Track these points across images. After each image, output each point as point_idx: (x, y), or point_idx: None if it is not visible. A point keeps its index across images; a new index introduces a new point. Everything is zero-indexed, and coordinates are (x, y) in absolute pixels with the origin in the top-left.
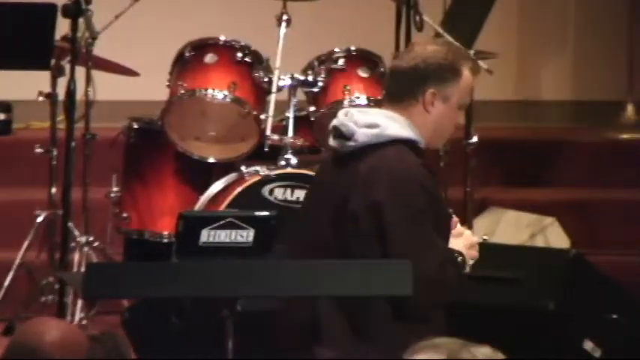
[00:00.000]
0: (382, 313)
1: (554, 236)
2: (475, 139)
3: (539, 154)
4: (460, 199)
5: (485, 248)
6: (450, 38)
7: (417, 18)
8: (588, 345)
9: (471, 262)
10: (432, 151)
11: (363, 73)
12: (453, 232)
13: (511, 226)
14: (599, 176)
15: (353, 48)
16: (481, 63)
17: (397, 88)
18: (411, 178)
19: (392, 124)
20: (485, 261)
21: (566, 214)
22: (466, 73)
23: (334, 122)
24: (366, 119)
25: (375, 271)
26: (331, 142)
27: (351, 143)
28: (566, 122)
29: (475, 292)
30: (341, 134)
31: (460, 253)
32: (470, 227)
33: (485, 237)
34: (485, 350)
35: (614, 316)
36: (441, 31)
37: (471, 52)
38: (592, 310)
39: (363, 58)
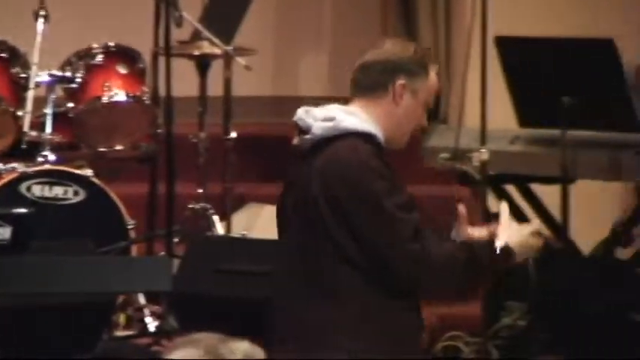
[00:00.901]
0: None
1: None
2: (234, 134)
3: None
4: (219, 194)
5: (244, 243)
6: (209, 34)
7: (177, 14)
8: None
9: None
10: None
11: (122, 69)
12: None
13: (269, 221)
14: None
15: (111, 44)
16: (239, 59)
17: (367, 79)
18: (364, 166)
19: (348, 117)
20: (244, 255)
21: None
22: (432, 73)
23: (294, 118)
24: (323, 113)
25: (134, 267)
26: (294, 140)
27: (308, 137)
28: None
29: (232, 286)
30: (300, 130)
31: (506, 247)
32: (228, 223)
33: (243, 232)
34: (243, 345)
35: None
36: (200, 27)
37: (230, 48)
38: None
39: (121, 54)
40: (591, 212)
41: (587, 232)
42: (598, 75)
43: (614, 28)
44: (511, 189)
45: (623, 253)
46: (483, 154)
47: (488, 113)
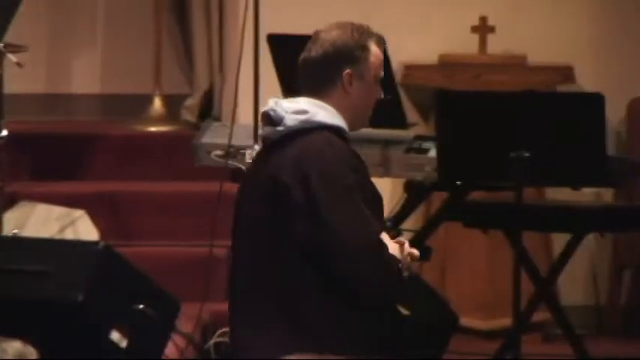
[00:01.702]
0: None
1: (84, 229)
2: (5, 132)
3: (69, 147)
4: None
5: (16, 242)
6: None
7: None
8: (115, 335)
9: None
10: None
11: None
12: (396, 242)
13: (41, 220)
14: (129, 168)
15: None
16: (11, 56)
17: (313, 78)
18: (339, 158)
19: (321, 111)
20: (16, 255)
21: (96, 207)
22: (373, 47)
23: (264, 109)
24: (295, 107)
25: None
26: (261, 131)
27: (280, 128)
28: (96, 115)
29: (5, 286)
30: (271, 121)
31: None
32: (0, 222)
33: (15, 231)
34: (15, 345)
35: (141, 306)
36: None
37: (0, 45)
38: (120, 300)
39: None
40: None
41: None
42: None
43: (387, 27)
44: None
45: None
46: (255, 152)
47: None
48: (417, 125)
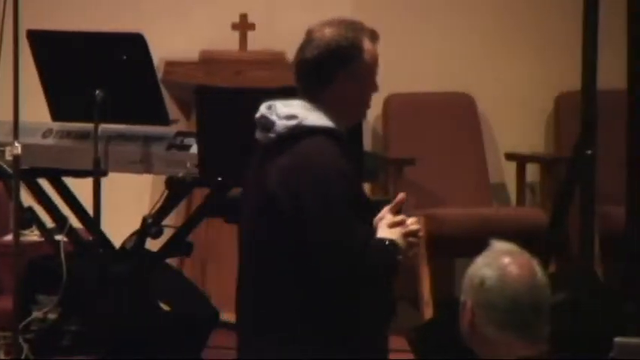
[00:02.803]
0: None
1: None
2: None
3: None
4: None
5: None
6: None
7: None
8: None
9: (411, 250)
10: None
11: None
12: (387, 221)
13: None
14: None
15: None
16: None
17: (308, 80)
18: (328, 167)
19: (311, 115)
20: None
21: None
22: (366, 44)
23: (257, 115)
24: (286, 111)
25: None
26: (256, 134)
27: (271, 135)
28: None
29: None
30: (263, 127)
31: (392, 241)
32: None
33: None
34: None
35: None
36: None
37: None
38: None
39: None
40: (123, 205)
41: (119, 225)
42: (129, 69)
43: (147, 24)
44: (45, 183)
45: (153, 245)
46: (16, 148)
47: (22, 107)
48: (179, 122)
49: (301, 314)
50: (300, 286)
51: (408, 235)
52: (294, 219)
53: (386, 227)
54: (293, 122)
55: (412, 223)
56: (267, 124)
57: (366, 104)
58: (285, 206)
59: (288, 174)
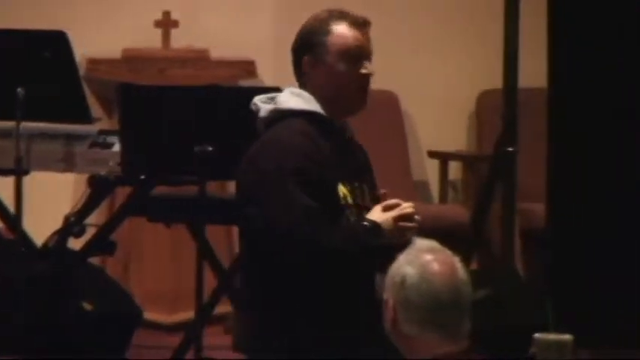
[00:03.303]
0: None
1: None
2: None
3: None
4: None
5: None
6: None
7: None
8: None
9: (404, 234)
10: None
11: None
12: (380, 205)
13: None
14: None
15: None
16: None
17: (294, 70)
18: (283, 142)
19: (293, 99)
20: None
21: None
22: (336, 27)
23: (251, 104)
24: (270, 95)
25: None
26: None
27: (258, 120)
28: None
29: None
30: (255, 114)
31: (373, 223)
32: None
33: None
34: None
35: None
36: None
37: None
38: None
39: None
40: (45, 203)
41: (41, 224)
42: (51, 66)
43: (70, 21)
44: None
45: (75, 244)
46: None
47: None
48: (101, 120)
49: (264, 291)
50: (260, 265)
51: (399, 218)
52: (244, 193)
53: (378, 211)
54: (271, 106)
55: (406, 207)
56: (255, 110)
57: (353, 89)
58: (241, 181)
59: (248, 154)
